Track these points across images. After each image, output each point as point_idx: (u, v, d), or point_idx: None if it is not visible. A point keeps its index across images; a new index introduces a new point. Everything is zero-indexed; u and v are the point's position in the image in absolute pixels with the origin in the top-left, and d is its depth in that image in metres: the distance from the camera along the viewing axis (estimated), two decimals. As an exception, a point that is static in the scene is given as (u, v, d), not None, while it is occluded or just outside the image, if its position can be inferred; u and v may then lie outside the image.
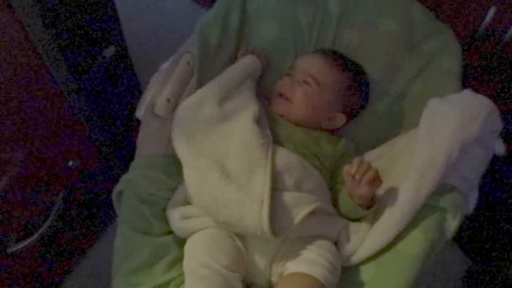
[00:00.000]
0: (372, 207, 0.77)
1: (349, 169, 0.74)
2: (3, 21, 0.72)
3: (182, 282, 0.73)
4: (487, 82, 0.99)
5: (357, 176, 0.73)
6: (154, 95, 0.88)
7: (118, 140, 1.13)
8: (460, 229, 0.77)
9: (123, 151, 1.14)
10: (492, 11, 0.88)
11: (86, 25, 0.93)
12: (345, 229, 0.79)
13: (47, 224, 0.92)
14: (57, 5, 0.83)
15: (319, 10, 0.99)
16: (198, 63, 0.91)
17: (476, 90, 0.80)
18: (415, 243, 0.73)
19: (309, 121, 0.90)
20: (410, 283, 0.71)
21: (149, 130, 0.86)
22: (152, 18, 1.70)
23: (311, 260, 0.71)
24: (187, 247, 0.75)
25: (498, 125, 0.76)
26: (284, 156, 0.80)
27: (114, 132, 1.11)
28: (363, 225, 0.78)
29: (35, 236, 0.91)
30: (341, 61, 0.93)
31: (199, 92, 0.85)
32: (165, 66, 0.93)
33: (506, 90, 0.97)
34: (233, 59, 0.98)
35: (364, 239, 0.76)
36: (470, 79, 0.97)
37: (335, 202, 0.85)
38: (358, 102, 0.95)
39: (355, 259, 0.76)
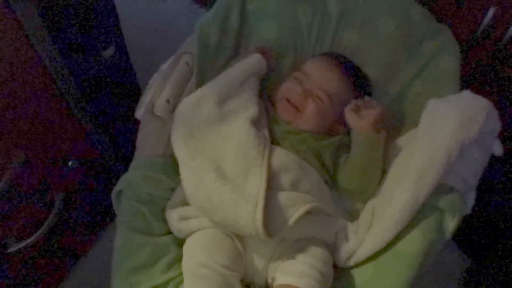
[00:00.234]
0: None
1: (351, 106, 0.82)
2: (2, 21, 0.72)
3: (181, 282, 0.73)
4: (486, 83, 0.99)
5: (359, 104, 0.81)
6: (154, 96, 0.88)
7: (117, 141, 1.13)
8: (460, 229, 0.77)
9: (122, 151, 1.15)
10: (491, 11, 0.88)
11: (86, 26, 0.93)
12: (344, 229, 0.80)
13: (46, 224, 0.93)
14: (56, 6, 0.83)
15: (319, 10, 0.99)
16: (197, 63, 0.91)
17: (475, 91, 0.80)
18: (414, 243, 0.73)
19: (311, 130, 0.90)
20: (408, 283, 0.71)
21: (149, 131, 0.87)
22: (151, 19, 1.70)
23: (300, 272, 0.70)
24: (185, 247, 0.75)
25: (497, 126, 0.76)
26: (281, 156, 0.80)
27: (113, 133, 1.11)
28: (362, 226, 0.79)
29: (35, 236, 0.91)
30: (355, 79, 0.92)
31: (200, 90, 0.85)
32: (164, 66, 0.93)
33: (505, 90, 0.97)
34: (232, 60, 0.98)
35: (363, 240, 0.76)
36: (470, 80, 0.98)
37: (341, 187, 0.86)
38: None
39: (354, 260, 0.76)
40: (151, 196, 0.82)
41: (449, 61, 0.92)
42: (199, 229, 0.76)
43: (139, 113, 0.90)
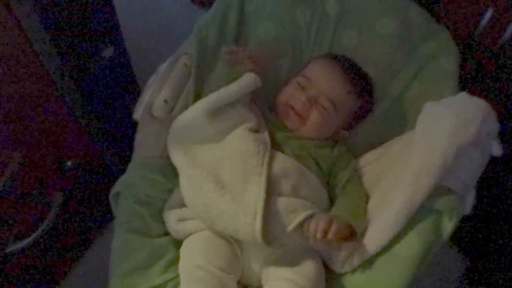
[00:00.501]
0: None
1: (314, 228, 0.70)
2: (1, 21, 0.72)
3: (179, 283, 0.73)
4: (484, 84, 0.98)
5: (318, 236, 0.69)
6: (152, 96, 0.88)
7: (116, 141, 1.13)
8: (458, 230, 0.77)
9: (121, 152, 1.15)
10: (489, 13, 0.88)
11: (85, 26, 0.93)
12: None
13: (45, 224, 0.92)
14: (56, 5, 0.83)
15: (317, 11, 0.99)
16: (195, 64, 0.91)
17: (473, 92, 0.80)
18: (411, 245, 0.73)
19: (315, 137, 0.90)
20: (405, 285, 0.71)
21: (147, 132, 0.87)
22: (150, 19, 1.69)
23: None
24: (183, 249, 0.75)
25: (495, 127, 0.76)
26: (281, 161, 0.80)
27: (112, 133, 1.11)
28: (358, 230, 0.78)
29: (33, 236, 0.91)
30: (359, 84, 0.91)
31: (195, 106, 0.83)
32: (163, 67, 0.93)
33: (504, 91, 0.97)
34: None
35: (359, 245, 0.76)
36: (468, 82, 0.98)
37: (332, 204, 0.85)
38: (363, 119, 0.96)
39: (348, 266, 0.76)
40: (149, 197, 0.82)
41: (447, 62, 0.92)
42: (196, 231, 0.76)
43: (137, 113, 0.90)
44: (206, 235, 0.75)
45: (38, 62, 0.82)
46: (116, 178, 0.85)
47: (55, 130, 0.92)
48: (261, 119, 0.88)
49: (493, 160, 0.79)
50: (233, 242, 0.75)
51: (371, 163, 0.90)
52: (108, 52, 1.02)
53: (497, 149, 0.78)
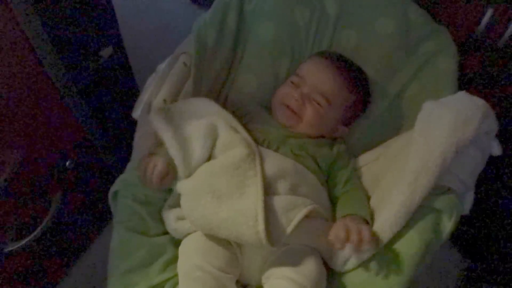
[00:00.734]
0: None
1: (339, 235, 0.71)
2: (0, 21, 0.72)
3: (177, 282, 0.73)
4: (484, 85, 0.98)
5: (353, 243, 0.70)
6: (151, 96, 0.88)
7: (115, 141, 1.13)
8: (457, 230, 0.76)
9: (120, 151, 1.15)
10: (489, 13, 0.88)
11: (84, 26, 0.93)
12: None
13: (44, 224, 0.93)
14: (55, 5, 0.83)
15: (316, 11, 0.99)
16: (194, 63, 0.91)
17: (472, 92, 0.80)
18: (410, 245, 0.73)
19: (313, 134, 0.90)
20: (404, 284, 0.71)
21: (145, 131, 0.86)
22: (149, 19, 1.70)
23: None
24: (181, 249, 0.75)
25: (494, 127, 0.76)
26: (276, 161, 0.79)
27: (111, 133, 1.11)
28: None
29: (32, 235, 0.91)
30: (351, 76, 0.91)
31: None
32: (162, 66, 0.93)
33: (503, 92, 0.97)
34: (229, 61, 0.98)
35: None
36: (467, 81, 0.98)
37: (334, 204, 0.85)
38: (361, 113, 0.96)
39: (349, 265, 0.76)
40: (148, 196, 0.82)
41: (447, 62, 0.92)
42: (195, 230, 0.76)
43: (136, 113, 0.89)
44: (205, 235, 0.74)
45: (37, 62, 0.82)
46: (115, 177, 0.85)
47: (54, 130, 0.92)
48: (230, 117, 0.86)
49: (492, 160, 0.79)
50: (232, 242, 0.75)
51: (370, 163, 0.90)
52: (107, 52, 1.02)
53: (496, 149, 0.78)
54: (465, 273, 1.24)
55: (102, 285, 0.77)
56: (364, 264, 0.75)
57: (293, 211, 0.72)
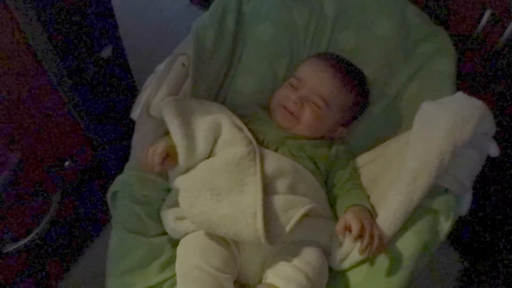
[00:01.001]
0: None
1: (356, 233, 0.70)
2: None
3: (176, 283, 0.73)
4: (482, 85, 0.99)
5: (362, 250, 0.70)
6: (149, 96, 0.88)
7: (113, 141, 1.13)
8: (456, 231, 0.77)
9: (118, 151, 1.15)
10: (487, 14, 0.88)
11: (83, 26, 0.93)
12: None
13: (43, 224, 0.93)
14: (54, 5, 0.84)
15: (315, 12, 0.99)
16: (193, 64, 0.91)
17: (471, 93, 0.80)
18: (408, 245, 0.73)
19: (311, 135, 0.91)
20: (402, 285, 0.71)
21: (144, 131, 0.87)
22: (149, 19, 1.70)
23: (288, 276, 0.70)
24: (179, 249, 0.75)
25: (492, 128, 0.76)
26: (275, 160, 0.80)
27: (110, 133, 1.11)
28: None
29: (31, 236, 0.91)
30: (349, 77, 0.91)
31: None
32: (160, 67, 0.93)
33: (502, 92, 0.97)
34: (228, 61, 0.98)
35: (357, 243, 0.76)
36: (466, 82, 0.98)
37: (332, 205, 0.85)
38: (359, 114, 0.96)
39: (348, 262, 0.76)
40: (146, 197, 0.82)
41: (445, 63, 0.92)
42: (193, 230, 0.76)
43: (135, 113, 0.90)
44: (203, 235, 0.74)
45: (36, 62, 0.82)
46: (114, 178, 0.85)
47: (53, 130, 0.92)
48: (234, 117, 0.88)
49: (490, 161, 0.79)
50: (230, 242, 0.75)
51: (368, 164, 0.90)
52: (106, 52, 1.02)
53: (494, 150, 0.78)
54: (465, 273, 1.24)
55: (101, 285, 0.77)
56: (362, 264, 0.76)
57: (291, 210, 0.73)
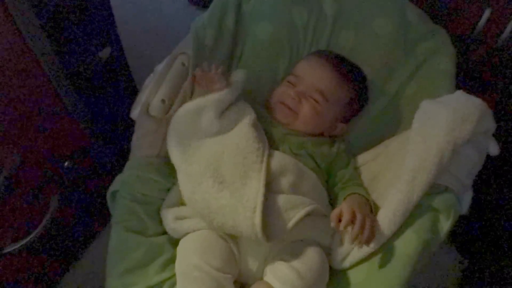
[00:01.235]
0: None
1: (345, 223, 0.71)
2: (-2, 22, 0.72)
3: (176, 283, 0.73)
4: (482, 84, 0.99)
5: (352, 239, 0.71)
6: (149, 96, 0.88)
7: (113, 141, 1.13)
8: (456, 230, 0.77)
9: (118, 151, 1.15)
10: (487, 13, 0.88)
11: (82, 27, 0.93)
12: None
13: (42, 224, 0.92)
14: (53, 6, 0.83)
15: (314, 11, 0.99)
16: (193, 64, 0.91)
17: (470, 92, 0.80)
18: (408, 244, 0.73)
19: (311, 131, 0.90)
20: (402, 284, 0.71)
21: (144, 131, 0.87)
22: (148, 19, 1.70)
23: (284, 276, 0.70)
24: (179, 249, 0.75)
25: (491, 126, 0.76)
26: (279, 159, 0.80)
27: (109, 133, 1.11)
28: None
29: (31, 236, 0.91)
30: (347, 73, 0.92)
31: (200, 100, 0.85)
32: (160, 67, 0.93)
33: (501, 91, 0.97)
34: (228, 61, 0.98)
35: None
36: (465, 80, 0.98)
37: (333, 203, 0.85)
38: (359, 110, 0.96)
39: (349, 261, 0.76)
40: (146, 196, 0.82)
41: (444, 62, 0.92)
42: (193, 230, 0.76)
43: (135, 113, 0.90)
44: (203, 235, 0.75)
45: (35, 63, 0.82)
46: (114, 178, 0.85)
47: (52, 131, 0.92)
48: (258, 117, 0.89)
49: (490, 159, 0.79)
50: (230, 242, 0.75)
51: (368, 162, 0.90)
52: (105, 52, 1.02)
53: (494, 148, 0.78)
54: (465, 273, 1.24)
55: (101, 286, 0.77)
56: (362, 264, 0.76)
57: (292, 211, 0.73)
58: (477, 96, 0.78)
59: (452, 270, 1.25)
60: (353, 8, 0.99)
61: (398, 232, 0.74)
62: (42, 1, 0.80)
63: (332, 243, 0.79)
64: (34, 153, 0.90)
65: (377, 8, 0.98)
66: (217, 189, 0.72)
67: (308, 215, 0.74)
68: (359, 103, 0.95)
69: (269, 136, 0.86)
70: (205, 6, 1.02)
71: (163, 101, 0.88)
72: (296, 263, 0.72)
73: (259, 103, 0.98)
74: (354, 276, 0.76)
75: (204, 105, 0.84)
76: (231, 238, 0.76)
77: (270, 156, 0.80)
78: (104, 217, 1.22)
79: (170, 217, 0.79)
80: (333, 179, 0.87)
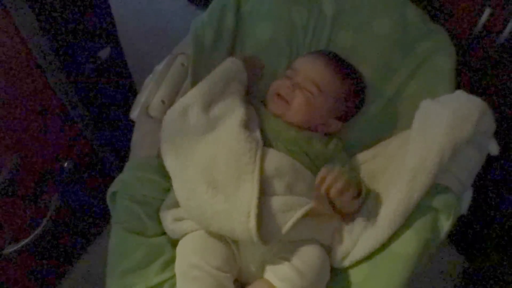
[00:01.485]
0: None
1: (318, 180, 0.73)
2: (-3, 23, 0.72)
3: (176, 283, 0.73)
4: (482, 83, 0.99)
5: (322, 189, 0.72)
6: (148, 96, 0.88)
7: (113, 141, 1.13)
8: (456, 229, 0.76)
9: (118, 152, 1.15)
10: (487, 12, 0.88)
11: (81, 27, 0.93)
12: (339, 230, 0.79)
13: (42, 225, 0.92)
14: (52, 6, 0.83)
15: (314, 11, 0.99)
16: (192, 64, 0.91)
17: (471, 91, 0.80)
18: (408, 244, 0.73)
19: (304, 124, 0.90)
20: (403, 284, 0.71)
21: (143, 131, 0.87)
22: (147, 19, 1.70)
23: (284, 275, 0.70)
24: (179, 248, 0.75)
25: (491, 126, 0.76)
26: (274, 159, 0.79)
27: (109, 133, 1.11)
28: (357, 226, 0.78)
29: (31, 237, 0.91)
30: (343, 68, 0.92)
31: (184, 98, 0.85)
32: (159, 67, 0.93)
33: (501, 90, 0.97)
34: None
35: (358, 241, 0.76)
36: (465, 80, 0.98)
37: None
38: (355, 109, 0.95)
39: (348, 261, 0.76)
40: (146, 197, 0.82)
41: (444, 61, 0.92)
42: (192, 230, 0.76)
43: (134, 113, 0.90)
44: (202, 235, 0.74)
45: (35, 63, 0.82)
46: (114, 178, 0.85)
47: (52, 131, 0.92)
48: (255, 115, 0.88)
49: (490, 159, 0.79)
50: (229, 241, 0.75)
51: (367, 161, 0.90)
52: (105, 53, 1.02)
53: (494, 148, 0.78)
54: (465, 273, 1.24)
55: (101, 286, 0.77)
56: (362, 263, 0.76)
57: (289, 213, 0.72)
58: (477, 95, 0.78)
59: (452, 270, 1.25)
60: (352, 8, 0.99)
61: (398, 232, 0.74)
62: (42, 1, 0.80)
63: (332, 241, 0.79)
64: (34, 153, 0.90)
65: (377, 8, 0.98)
66: (211, 195, 0.71)
67: (305, 214, 0.73)
68: (355, 102, 0.95)
69: (263, 132, 0.85)
70: (204, 6, 1.02)
71: (162, 101, 0.88)
72: (296, 261, 0.71)
73: (259, 98, 0.98)
74: (354, 275, 0.76)
75: (188, 103, 0.84)
76: (230, 238, 0.75)
77: (263, 155, 0.79)
78: (104, 217, 1.22)
79: (169, 219, 0.79)
80: None
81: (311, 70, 0.90)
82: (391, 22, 0.96)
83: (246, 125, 0.83)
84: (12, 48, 0.77)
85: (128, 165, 0.85)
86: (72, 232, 1.13)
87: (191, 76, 0.91)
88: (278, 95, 0.90)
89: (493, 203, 1.09)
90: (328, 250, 0.78)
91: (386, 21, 0.96)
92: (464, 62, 0.96)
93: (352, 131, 0.97)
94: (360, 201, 0.78)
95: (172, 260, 0.77)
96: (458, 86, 0.91)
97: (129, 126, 0.91)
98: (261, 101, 0.96)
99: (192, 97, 0.84)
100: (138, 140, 0.87)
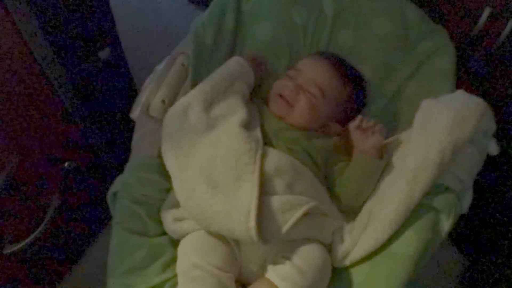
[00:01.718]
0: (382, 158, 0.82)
1: (356, 123, 0.83)
2: (-3, 23, 0.72)
3: (177, 283, 0.73)
4: (481, 83, 0.99)
5: (364, 125, 0.83)
6: (149, 96, 0.88)
7: (113, 141, 1.13)
8: (457, 229, 0.77)
9: (118, 152, 1.14)
10: (486, 11, 0.88)
11: (81, 27, 0.93)
12: (339, 229, 0.79)
13: (42, 225, 0.92)
14: (52, 7, 0.83)
15: (314, 11, 0.99)
16: (192, 64, 0.91)
17: (471, 91, 0.80)
18: (409, 243, 0.73)
19: (305, 126, 0.90)
20: (403, 283, 0.71)
21: (144, 131, 0.87)
22: (147, 19, 1.70)
23: (285, 273, 0.70)
24: (180, 248, 0.75)
25: (492, 126, 0.77)
26: (274, 159, 0.79)
27: (109, 133, 1.11)
28: (357, 226, 0.78)
29: (31, 237, 0.91)
30: (346, 72, 0.92)
31: (185, 98, 0.85)
32: (159, 67, 0.93)
33: (501, 90, 0.97)
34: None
35: (358, 240, 0.76)
36: (465, 80, 0.98)
37: (334, 195, 0.85)
38: (355, 111, 0.95)
39: (349, 260, 0.76)
40: (147, 197, 0.82)
41: (444, 61, 0.92)
42: (193, 231, 0.76)
43: (135, 113, 0.90)
44: (203, 234, 0.74)
45: (35, 63, 0.82)
46: (114, 178, 0.85)
47: (52, 131, 0.92)
48: (256, 115, 0.88)
49: (490, 159, 0.79)
50: (230, 241, 0.75)
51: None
52: (105, 53, 1.02)
53: (494, 148, 0.78)
54: (466, 272, 1.24)
55: (102, 286, 0.77)
56: (363, 263, 0.76)
57: (289, 212, 0.72)
58: (477, 95, 0.78)
59: (452, 270, 1.25)
60: (352, 8, 0.99)
61: (399, 231, 0.74)
62: (42, 1, 0.80)
63: (333, 241, 0.79)
64: (34, 154, 0.89)
65: (377, 8, 0.98)
66: (211, 195, 0.71)
67: (306, 213, 0.73)
68: (356, 105, 0.95)
69: (263, 130, 0.85)
70: (205, 6, 1.02)
71: (163, 101, 0.88)
72: (297, 260, 0.71)
73: (260, 96, 0.98)
74: (355, 275, 0.76)
75: (189, 102, 0.83)
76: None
77: (263, 155, 0.78)
78: (104, 217, 1.22)
79: (169, 219, 0.78)
80: (331, 175, 0.86)
81: (315, 73, 0.90)
82: (391, 22, 0.96)
83: (247, 125, 0.83)
84: (12, 48, 0.77)
85: (128, 165, 0.85)
86: (72, 232, 1.13)
87: (191, 76, 0.91)
88: (281, 96, 0.90)
89: (494, 202, 1.10)
90: (329, 249, 0.78)
91: (386, 20, 0.96)
92: (464, 62, 0.97)
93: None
94: (378, 162, 0.81)
95: (173, 260, 0.76)
96: (458, 86, 0.92)
97: (130, 126, 0.91)
98: (262, 99, 0.96)
99: (193, 96, 0.84)
100: (139, 140, 0.87)
